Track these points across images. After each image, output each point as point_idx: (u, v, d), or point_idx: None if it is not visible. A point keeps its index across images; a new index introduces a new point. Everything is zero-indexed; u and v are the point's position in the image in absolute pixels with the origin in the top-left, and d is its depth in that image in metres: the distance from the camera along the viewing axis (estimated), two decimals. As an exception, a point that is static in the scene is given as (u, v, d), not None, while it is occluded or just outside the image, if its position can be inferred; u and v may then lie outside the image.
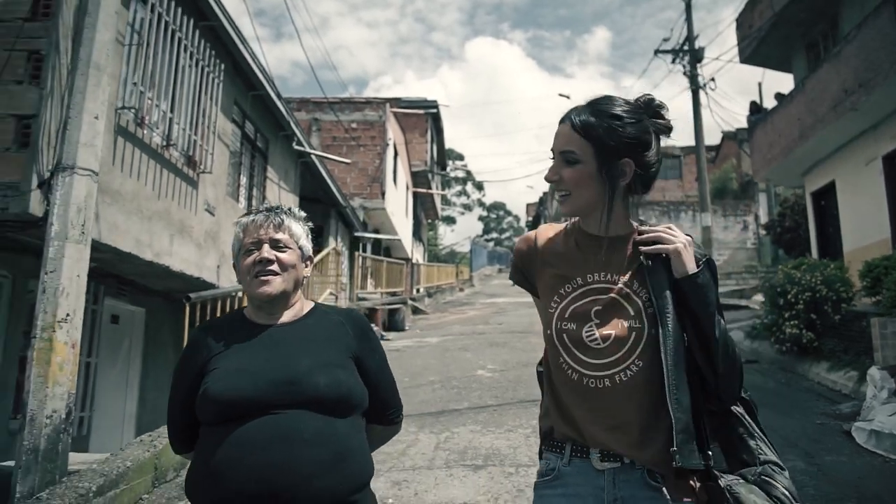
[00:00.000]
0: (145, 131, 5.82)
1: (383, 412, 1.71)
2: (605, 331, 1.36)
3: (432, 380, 7.63)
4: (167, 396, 1.66)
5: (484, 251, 51.04)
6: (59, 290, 3.92)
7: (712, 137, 27.28)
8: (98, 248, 4.87)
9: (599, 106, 1.40)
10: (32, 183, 4.27)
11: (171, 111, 6.30)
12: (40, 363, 3.83)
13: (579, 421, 1.37)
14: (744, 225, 24.10)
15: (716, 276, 1.42)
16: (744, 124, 15.87)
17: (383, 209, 17.81)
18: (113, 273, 6.59)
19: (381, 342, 2.24)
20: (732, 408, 1.40)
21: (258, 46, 30.72)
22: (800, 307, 8.24)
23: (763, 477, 1.31)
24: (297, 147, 11.18)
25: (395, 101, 21.19)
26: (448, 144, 33.25)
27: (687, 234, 1.43)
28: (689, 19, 16.17)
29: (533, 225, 46.06)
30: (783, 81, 19.29)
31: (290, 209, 1.71)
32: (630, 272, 1.40)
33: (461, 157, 54.25)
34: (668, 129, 1.44)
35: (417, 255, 27.04)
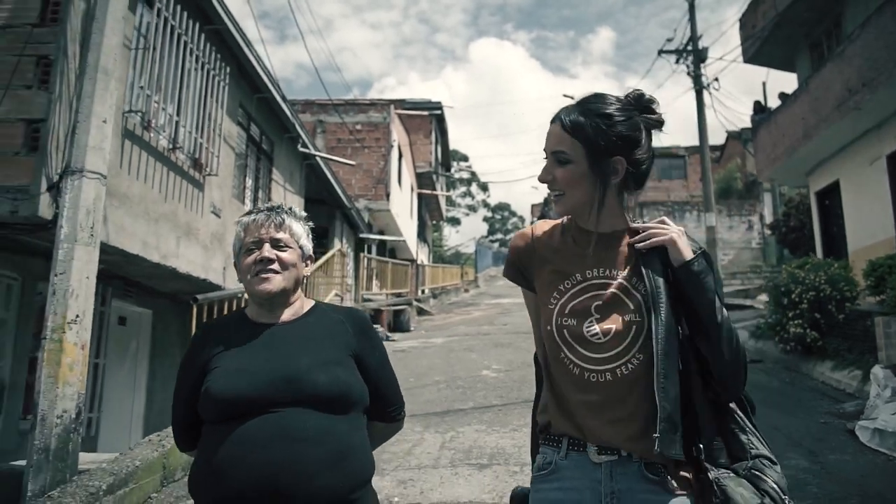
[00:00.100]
0: (152, 134, 5.89)
1: (385, 409, 1.72)
2: (606, 325, 1.36)
3: (437, 380, 7.66)
4: (174, 397, 1.70)
5: (489, 252, 50.79)
6: (68, 291, 3.96)
7: (716, 137, 27.34)
8: (106, 251, 4.92)
9: (589, 105, 1.40)
10: (42, 186, 4.33)
11: (178, 114, 6.37)
12: (51, 364, 3.87)
13: (579, 415, 1.37)
14: (748, 225, 24.01)
15: (712, 266, 1.42)
16: (748, 124, 15.81)
17: (388, 210, 17.84)
18: (120, 275, 6.65)
19: (387, 343, 2.26)
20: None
21: (262, 49, 30.79)
22: (804, 307, 8.23)
23: (753, 471, 1.32)
24: (301, 149, 11.22)
25: (400, 103, 21.25)
26: (452, 145, 33.25)
27: (679, 227, 1.44)
28: (692, 19, 16.14)
29: (538, 226, 45.68)
30: (787, 81, 19.21)
31: (290, 208, 1.73)
32: (629, 267, 1.41)
33: (466, 158, 54.18)
34: (659, 124, 1.44)
35: (422, 256, 27.06)
